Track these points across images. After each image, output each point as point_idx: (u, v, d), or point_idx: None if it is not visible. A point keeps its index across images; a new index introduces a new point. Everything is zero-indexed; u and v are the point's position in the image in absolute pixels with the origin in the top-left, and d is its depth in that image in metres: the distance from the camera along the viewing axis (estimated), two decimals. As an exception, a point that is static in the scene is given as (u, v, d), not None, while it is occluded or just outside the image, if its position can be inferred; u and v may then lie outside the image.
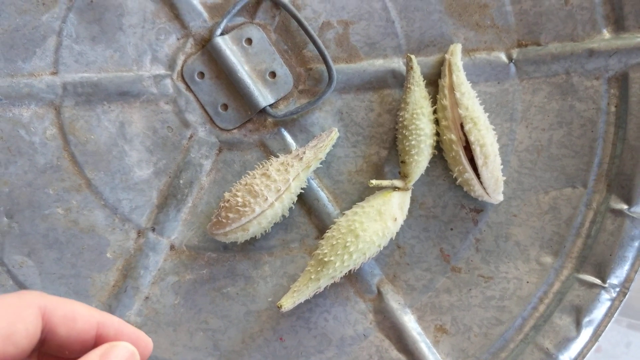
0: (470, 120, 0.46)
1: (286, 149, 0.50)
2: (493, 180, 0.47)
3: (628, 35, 0.48)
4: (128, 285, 0.51)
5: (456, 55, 0.48)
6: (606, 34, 0.48)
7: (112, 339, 0.26)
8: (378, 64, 0.50)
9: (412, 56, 0.48)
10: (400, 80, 0.50)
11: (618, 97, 0.48)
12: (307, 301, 0.48)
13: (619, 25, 0.48)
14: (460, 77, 0.48)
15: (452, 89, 0.47)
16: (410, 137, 0.47)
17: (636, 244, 0.47)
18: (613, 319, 0.85)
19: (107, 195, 0.50)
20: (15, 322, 0.23)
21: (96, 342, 0.26)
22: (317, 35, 0.50)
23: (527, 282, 0.49)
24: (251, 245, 0.51)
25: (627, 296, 0.81)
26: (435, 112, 0.49)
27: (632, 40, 0.47)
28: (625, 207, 0.48)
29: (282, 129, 0.51)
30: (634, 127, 0.48)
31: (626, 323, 0.85)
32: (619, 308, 0.47)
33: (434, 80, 0.50)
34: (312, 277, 0.47)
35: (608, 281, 0.47)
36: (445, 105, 0.48)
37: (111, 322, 0.27)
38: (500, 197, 0.48)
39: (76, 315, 0.26)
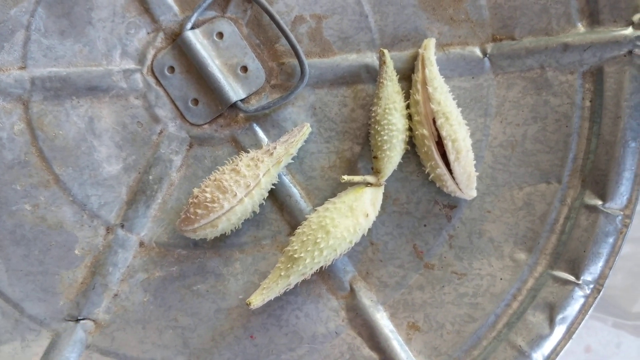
0: (443, 115, 0.46)
1: (258, 145, 0.50)
2: (466, 176, 0.46)
3: (603, 29, 0.47)
4: (97, 282, 0.50)
5: (429, 50, 0.48)
6: (581, 27, 0.48)
7: None
8: (351, 58, 0.49)
9: (385, 51, 0.48)
10: (373, 75, 0.49)
11: (593, 92, 0.48)
12: (278, 298, 0.48)
13: (593, 19, 0.47)
14: (433, 71, 0.47)
15: (424, 83, 0.47)
16: (382, 133, 0.47)
17: (610, 240, 0.47)
18: (597, 318, 0.84)
19: (75, 191, 0.50)
20: None
21: None
22: (290, 29, 0.49)
23: (501, 279, 0.49)
24: (222, 242, 0.50)
25: (610, 295, 0.81)
26: (408, 107, 0.48)
27: (607, 34, 0.47)
28: (599, 202, 0.47)
29: (254, 124, 0.50)
30: (608, 122, 0.47)
31: (612, 322, 0.84)
32: (593, 305, 0.46)
33: (408, 75, 0.49)
34: (282, 274, 0.46)
35: (582, 278, 0.47)
36: (418, 100, 0.47)
37: None
38: (474, 193, 0.47)
39: None
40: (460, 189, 0.47)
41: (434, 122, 0.46)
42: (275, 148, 0.47)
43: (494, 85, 0.49)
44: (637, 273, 0.80)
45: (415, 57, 0.49)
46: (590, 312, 0.46)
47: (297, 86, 0.49)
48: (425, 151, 0.47)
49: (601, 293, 0.46)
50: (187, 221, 0.47)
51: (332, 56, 0.50)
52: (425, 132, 0.47)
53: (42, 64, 0.49)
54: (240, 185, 0.46)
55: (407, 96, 0.48)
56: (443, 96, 0.46)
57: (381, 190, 0.48)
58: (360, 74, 0.49)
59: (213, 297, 0.50)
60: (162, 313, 0.50)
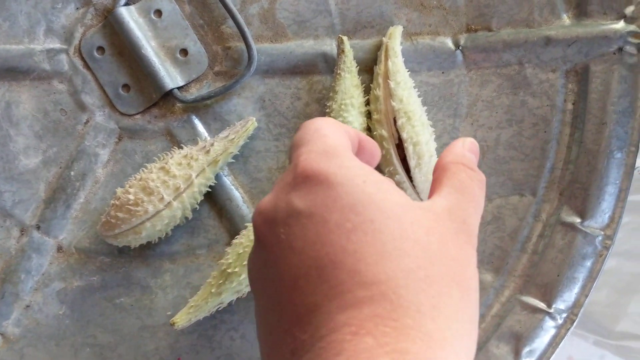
0: (404, 114, 0.40)
1: (196, 140, 0.44)
2: (427, 184, 0.40)
3: (590, 22, 0.42)
4: (6, 290, 0.44)
5: (395, 39, 0.42)
6: (566, 19, 0.42)
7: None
8: (307, 45, 0.44)
9: (344, 38, 0.42)
10: (332, 66, 0.44)
11: (576, 93, 0.42)
12: (211, 317, 0.42)
13: (581, 10, 0.42)
14: (397, 64, 0.41)
15: (387, 77, 0.41)
16: (337, 131, 0.41)
17: (588, 263, 0.41)
18: (579, 335, 0.79)
19: (-15, 186, 0.44)
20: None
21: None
22: (239, 9, 0.43)
23: (465, 302, 0.43)
24: (151, 250, 0.44)
25: (593, 312, 0.76)
26: (368, 103, 0.42)
27: (595, 28, 0.41)
28: (577, 220, 0.42)
29: (193, 116, 0.44)
30: (592, 128, 0.42)
31: (593, 340, 0.79)
32: (565, 337, 0.41)
33: (371, 68, 0.43)
34: (213, 290, 0.40)
35: (554, 306, 0.41)
36: (378, 96, 0.41)
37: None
38: None
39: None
40: (420, 199, 0.41)
41: (395, 121, 0.41)
42: (212, 145, 0.42)
43: (466, 82, 0.43)
44: (621, 289, 0.75)
45: (379, 47, 0.43)
46: (561, 344, 0.40)
47: (244, 74, 0.43)
48: (383, 154, 0.41)
49: (574, 324, 0.41)
50: (107, 225, 0.41)
51: (286, 42, 0.44)
52: (384, 132, 0.41)
53: (-47, 39, 0.43)
54: (169, 187, 0.40)
55: (368, 91, 0.43)
56: (406, 92, 0.41)
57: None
58: (317, 64, 0.44)
59: (138, 312, 0.44)
60: (79, 328, 0.44)
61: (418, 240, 0.25)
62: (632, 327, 0.73)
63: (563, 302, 0.42)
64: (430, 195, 0.29)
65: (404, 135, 0.40)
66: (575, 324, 0.41)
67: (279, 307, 0.25)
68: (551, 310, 0.42)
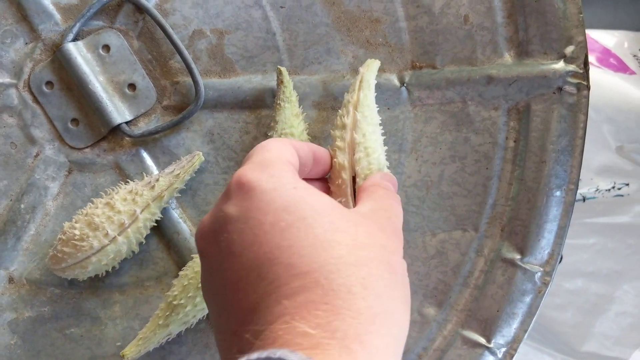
0: (364, 149, 0.39)
1: (145, 173, 0.44)
2: None
3: (531, 62, 0.42)
4: (-43, 321, 0.45)
5: (371, 72, 0.41)
6: (508, 58, 0.42)
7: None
8: (256, 80, 0.44)
9: (283, 69, 0.42)
10: (280, 100, 0.44)
11: (517, 131, 0.43)
12: (160, 348, 0.43)
13: (522, 49, 0.42)
14: (368, 97, 0.40)
15: (356, 107, 0.40)
16: (280, 163, 0.41)
17: (527, 299, 0.42)
18: (547, 353, 0.79)
19: (-64, 219, 0.44)
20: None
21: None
22: (187, 44, 0.44)
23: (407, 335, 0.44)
24: (100, 282, 0.45)
25: (559, 331, 0.76)
26: (308, 132, 0.43)
27: (535, 68, 0.42)
28: (517, 256, 0.42)
29: (142, 150, 0.45)
30: (532, 166, 0.42)
31: (560, 359, 0.80)
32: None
33: (318, 103, 0.44)
34: (161, 322, 0.41)
35: (493, 340, 0.42)
36: (346, 124, 0.40)
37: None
38: None
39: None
40: None
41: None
42: (157, 180, 0.42)
43: (410, 118, 0.44)
44: (587, 310, 0.75)
45: (325, 82, 0.44)
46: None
47: (192, 109, 0.43)
48: (338, 184, 0.41)
49: (558, 332, 0.41)
50: (54, 259, 0.41)
51: (234, 77, 0.44)
52: (345, 162, 0.40)
53: None
54: (114, 223, 0.41)
55: (325, 120, 0.43)
56: (370, 128, 0.40)
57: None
58: (265, 98, 0.44)
59: (88, 342, 0.45)
60: (30, 358, 0.45)
61: (347, 231, 0.27)
62: (597, 347, 0.74)
63: (502, 337, 0.42)
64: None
65: (358, 170, 0.39)
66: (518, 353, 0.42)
67: (226, 312, 0.27)
68: (491, 345, 0.42)
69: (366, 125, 0.40)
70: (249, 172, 0.28)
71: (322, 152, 0.36)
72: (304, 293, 0.24)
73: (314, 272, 0.25)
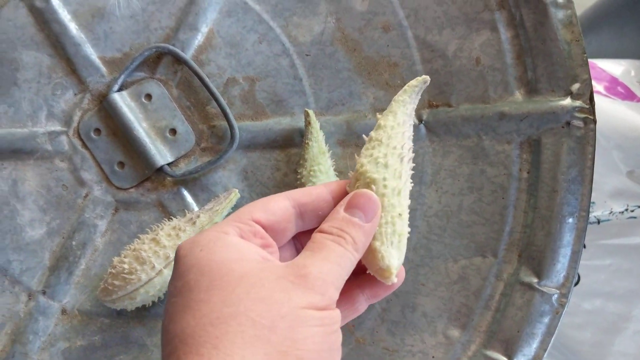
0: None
1: (186, 210, 0.48)
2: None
3: (540, 99, 0.45)
4: (16, 350, 0.48)
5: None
6: (518, 96, 0.46)
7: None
8: (285, 122, 0.48)
9: (310, 111, 0.46)
10: (307, 139, 0.47)
11: (530, 163, 0.46)
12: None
13: (531, 87, 0.46)
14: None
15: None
16: (309, 198, 0.45)
17: (545, 320, 0.45)
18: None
19: (-4, 257, 0.48)
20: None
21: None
22: (222, 91, 0.48)
23: (433, 357, 0.46)
24: (146, 312, 0.48)
25: (579, 351, 0.78)
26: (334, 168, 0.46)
27: (544, 104, 0.45)
28: (535, 280, 0.45)
29: (182, 189, 0.48)
30: (545, 195, 0.45)
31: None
32: None
33: (342, 140, 0.47)
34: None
35: (515, 359, 0.45)
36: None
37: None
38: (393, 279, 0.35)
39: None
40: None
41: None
42: (198, 217, 0.46)
43: (429, 152, 0.47)
44: (606, 329, 0.77)
45: (348, 122, 0.47)
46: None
47: (227, 150, 0.47)
48: None
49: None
50: (105, 292, 0.45)
51: (266, 119, 0.48)
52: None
53: (-34, 125, 0.48)
54: (160, 257, 0.44)
55: (350, 156, 0.47)
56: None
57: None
58: (293, 138, 0.48)
59: (135, 369, 0.48)
60: (82, 385, 0.48)
61: (226, 286, 0.27)
62: (617, 365, 0.75)
63: (524, 356, 0.45)
64: None
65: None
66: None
67: None
68: (512, 364, 0.45)
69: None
70: (187, 247, 0.30)
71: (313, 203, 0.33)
72: (171, 357, 0.26)
73: (176, 336, 0.26)
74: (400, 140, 0.34)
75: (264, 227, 0.31)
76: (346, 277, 0.30)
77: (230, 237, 0.29)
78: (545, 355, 0.45)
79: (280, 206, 0.32)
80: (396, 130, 0.34)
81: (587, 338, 0.76)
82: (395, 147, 0.34)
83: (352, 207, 0.31)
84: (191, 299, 0.27)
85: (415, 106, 0.36)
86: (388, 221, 0.32)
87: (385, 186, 0.32)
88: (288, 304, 0.26)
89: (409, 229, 0.33)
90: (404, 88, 0.36)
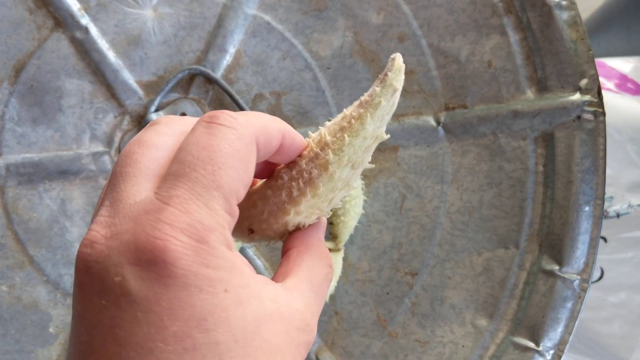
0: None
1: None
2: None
3: (551, 96, 0.48)
4: None
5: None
6: (530, 94, 0.49)
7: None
8: (311, 132, 0.51)
9: (331, 119, 0.49)
10: (333, 147, 0.50)
11: (545, 157, 0.48)
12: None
13: (542, 85, 0.48)
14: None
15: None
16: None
17: (569, 305, 0.47)
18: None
19: (49, 271, 0.52)
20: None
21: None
22: (250, 106, 0.51)
23: (463, 346, 0.49)
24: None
25: (607, 344, 0.79)
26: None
27: (555, 101, 0.47)
28: (556, 267, 0.47)
29: (218, 200, 0.52)
30: (561, 186, 0.47)
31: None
32: (550, 373, 0.46)
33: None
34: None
35: (542, 344, 0.47)
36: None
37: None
38: None
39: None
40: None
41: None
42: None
43: (448, 152, 0.50)
44: (633, 321, 0.78)
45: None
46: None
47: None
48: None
49: (561, 358, 0.46)
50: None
51: (292, 130, 0.51)
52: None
53: (16, 151, 0.52)
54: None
55: (372, 161, 0.49)
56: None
57: (340, 254, 0.49)
58: (319, 146, 0.51)
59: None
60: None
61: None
62: (646, 355, 0.76)
63: (550, 340, 0.47)
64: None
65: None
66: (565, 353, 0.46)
67: None
68: (540, 349, 0.47)
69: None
70: (181, 250, 0.20)
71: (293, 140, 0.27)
72: None
73: None
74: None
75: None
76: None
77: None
78: (567, 348, 0.47)
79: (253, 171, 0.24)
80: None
81: (615, 331, 0.78)
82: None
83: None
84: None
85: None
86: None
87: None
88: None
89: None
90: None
